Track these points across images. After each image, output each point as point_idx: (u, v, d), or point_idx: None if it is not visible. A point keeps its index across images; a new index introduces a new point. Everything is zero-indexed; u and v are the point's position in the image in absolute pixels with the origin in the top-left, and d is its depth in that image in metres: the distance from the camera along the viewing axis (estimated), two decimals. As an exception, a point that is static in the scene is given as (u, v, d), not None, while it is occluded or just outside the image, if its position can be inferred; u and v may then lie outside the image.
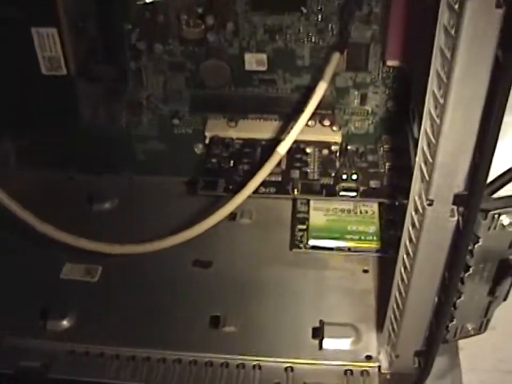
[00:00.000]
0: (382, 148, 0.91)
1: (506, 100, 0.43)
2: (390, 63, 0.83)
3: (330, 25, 0.83)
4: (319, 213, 0.88)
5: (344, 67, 0.86)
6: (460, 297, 0.59)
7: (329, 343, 0.73)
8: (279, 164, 0.81)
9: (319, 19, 0.82)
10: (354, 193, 0.86)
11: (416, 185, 0.56)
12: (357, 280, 0.81)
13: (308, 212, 0.88)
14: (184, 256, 0.83)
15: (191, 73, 0.88)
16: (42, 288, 0.80)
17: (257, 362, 0.72)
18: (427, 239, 0.55)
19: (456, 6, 0.44)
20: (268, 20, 0.83)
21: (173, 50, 0.86)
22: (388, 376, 0.71)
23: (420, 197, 0.55)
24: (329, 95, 0.88)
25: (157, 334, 0.75)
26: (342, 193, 0.86)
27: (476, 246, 0.54)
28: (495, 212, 0.52)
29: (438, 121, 0.49)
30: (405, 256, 0.61)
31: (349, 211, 0.87)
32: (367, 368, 0.71)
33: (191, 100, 0.91)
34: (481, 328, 0.65)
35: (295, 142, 0.79)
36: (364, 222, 0.86)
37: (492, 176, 0.55)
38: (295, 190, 0.86)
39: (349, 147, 0.91)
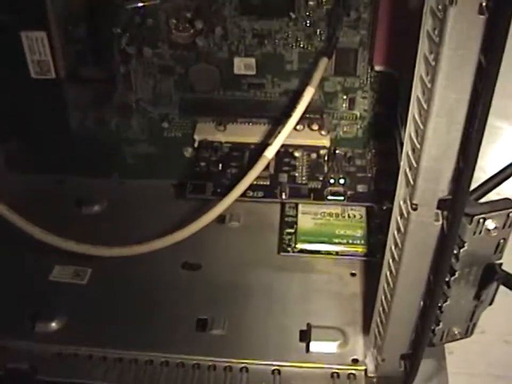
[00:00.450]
0: (370, 152, 0.92)
1: (490, 105, 0.44)
2: (378, 68, 0.83)
3: (318, 31, 0.83)
4: (307, 216, 0.88)
5: (332, 72, 0.86)
6: (445, 301, 0.59)
7: (316, 346, 0.73)
8: (267, 167, 0.82)
9: (308, 24, 0.83)
10: (342, 197, 0.86)
11: (401, 190, 0.56)
12: (345, 283, 0.82)
13: (296, 216, 0.88)
14: (173, 259, 0.84)
15: (180, 77, 0.88)
16: (31, 290, 0.80)
17: (244, 365, 0.72)
18: (412, 244, 0.56)
19: (440, 13, 0.44)
20: (257, 24, 0.83)
21: (162, 54, 0.86)
22: (374, 380, 0.71)
23: (404, 202, 0.55)
24: (318, 99, 0.89)
25: (144, 336, 0.75)
26: (330, 197, 0.86)
27: (461, 250, 0.54)
28: (480, 216, 0.53)
29: (422, 126, 0.49)
30: (390, 260, 0.61)
31: (337, 215, 0.88)
32: (353, 372, 0.71)
33: (180, 103, 0.91)
34: (467, 332, 0.65)
35: (284, 146, 0.80)
36: (352, 226, 0.86)
37: (482, 180, 0.55)
38: (283, 194, 0.87)
39: (337, 151, 0.91)
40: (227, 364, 0.72)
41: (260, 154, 0.76)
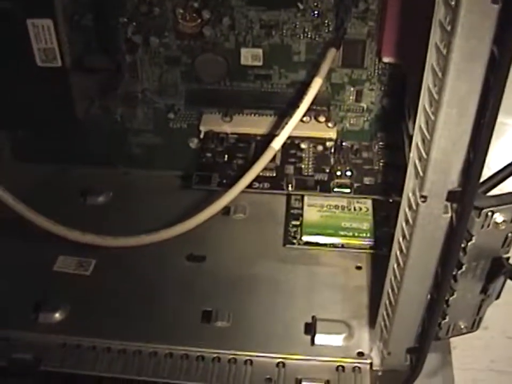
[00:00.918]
0: (376, 145, 0.91)
1: (502, 96, 0.43)
2: (386, 59, 0.83)
3: (326, 21, 0.83)
4: (313, 209, 0.87)
5: (339, 63, 0.86)
6: (452, 295, 0.59)
7: (321, 339, 0.73)
8: (273, 159, 0.82)
9: (316, 15, 0.82)
10: (348, 190, 0.86)
11: (410, 181, 0.56)
12: (350, 276, 0.81)
13: (301, 208, 0.88)
14: (178, 250, 0.83)
15: (186, 67, 0.88)
16: (35, 280, 0.80)
17: (249, 357, 0.72)
18: (420, 236, 0.55)
19: (452, 2, 0.43)
20: (264, 15, 0.83)
21: (169, 44, 0.86)
22: (380, 373, 0.70)
23: (413, 193, 0.55)
24: (325, 91, 0.88)
25: (148, 328, 0.74)
26: (336, 189, 0.86)
27: (469, 243, 0.54)
28: (489, 209, 0.52)
29: (432, 117, 0.49)
30: (398, 252, 0.61)
31: (343, 207, 0.87)
32: (358, 365, 0.71)
33: (186, 94, 0.91)
34: (473, 326, 0.65)
35: (290, 137, 0.80)
36: (358, 219, 0.86)
37: (487, 176, 0.55)
38: (290, 186, 0.86)
39: (343, 143, 0.91)
40: (231, 356, 0.72)
41: (266, 145, 0.76)
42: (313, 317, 0.75)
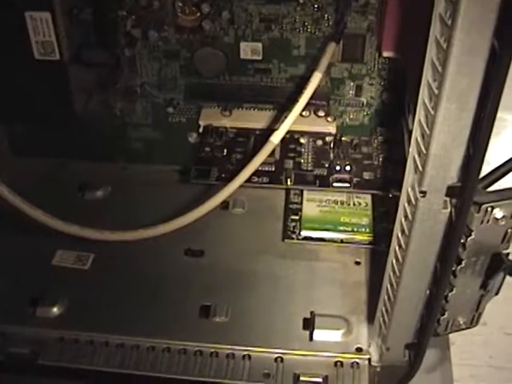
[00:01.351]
0: (376, 140, 0.91)
1: (502, 91, 0.43)
2: (386, 54, 0.83)
3: (326, 15, 0.83)
4: (312, 203, 0.87)
5: (339, 58, 0.86)
6: (451, 290, 0.59)
7: (319, 335, 0.73)
8: (272, 153, 0.81)
9: (315, 9, 0.82)
10: (347, 185, 0.86)
11: (409, 176, 0.56)
12: (349, 272, 0.81)
13: (301, 203, 0.88)
14: (176, 245, 0.83)
15: (186, 61, 0.88)
16: (33, 274, 0.80)
17: (247, 352, 0.72)
18: (419, 231, 0.55)
19: (453, -5, 0.43)
20: (264, 8, 0.83)
21: (168, 38, 0.86)
22: (378, 369, 0.71)
23: (413, 188, 0.55)
24: (325, 85, 0.88)
25: (146, 322, 0.75)
26: (335, 184, 0.86)
27: (468, 239, 0.54)
28: (488, 205, 0.52)
29: (432, 112, 0.48)
30: (397, 247, 0.61)
31: (342, 203, 0.87)
32: (357, 360, 0.71)
33: (185, 88, 0.91)
34: (472, 322, 0.65)
35: (290, 132, 0.80)
36: (357, 214, 0.86)
37: (486, 172, 0.54)
38: (289, 180, 0.86)
39: (343, 138, 0.91)
40: (229, 351, 0.72)
41: (265, 140, 0.76)
42: (311, 312, 0.75)
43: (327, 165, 0.88)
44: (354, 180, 0.86)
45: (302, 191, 0.89)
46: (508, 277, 0.60)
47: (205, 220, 0.74)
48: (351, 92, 0.89)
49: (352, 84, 0.88)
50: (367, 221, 0.85)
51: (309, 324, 0.74)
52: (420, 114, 0.52)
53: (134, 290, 0.79)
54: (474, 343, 0.88)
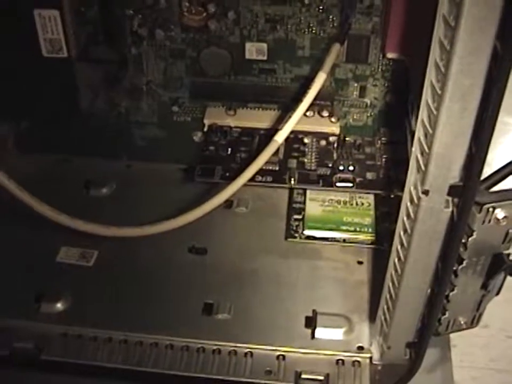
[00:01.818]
0: (379, 141, 0.91)
1: (504, 91, 0.43)
2: (390, 55, 0.83)
3: (331, 17, 0.83)
4: (315, 203, 0.88)
5: (344, 59, 0.86)
6: (452, 290, 0.59)
7: (321, 333, 0.73)
8: (276, 153, 0.82)
9: (320, 10, 0.82)
10: (350, 185, 0.86)
11: (411, 175, 0.56)
12: (351, 271, 0.81)
13: (304, 202, 0.88)
14: (180, 243, 0.83)
15: (191, 60, 0.88)
16: (37, 270, 0.80)
17: (249, 349, 0.72)
18: (421, 230, 0.55)
19: (456, -4, 0.44)
20: (269, 9, 0.83)
21: (174, 37, 0.86)
22: (379, 367, 0.71)
23: (415, 187, 0.55)
24: (329, 86, 0.88)
25: (150, 319, 0.75)
26: (338, 184, 0.86)
27: (470, 239, 0.54)
28: (490, 205, 0.52)
29: (435, 111, 0.49)
30: (399, 246, 0.61)
31: (345, 202, 0.88)
32: (358, 359, 0.71)
33: (191, 87, 0.91)
34: (473, 322, 0.65)
35: (293, 132, 0.80)
36: (360, 214, 0.86)
37: (488, 174, 0.55)
38: (292, 180, 0.86)
39: (346, 139, 0.91)
40: (232, 348, 0.72)
41: (269, 139, 0.76)
42: (313, 311, 0.76)
43: (330, 165, 0.88)
44: (357, 180, 0.87)
45: (305, 190, 0.89)
46: (508, 279, 0.61)
47: (208, 218, 0.75)
48: (355, 92, 0.90)
49: (356, 84, 0.89)
50: (369, 221, 0.85)
51: (311, 322, 0.75)
52: (423, 114, 0.52)
53: (137, 287, 0.79)
54: (475, 346, 0.88)
